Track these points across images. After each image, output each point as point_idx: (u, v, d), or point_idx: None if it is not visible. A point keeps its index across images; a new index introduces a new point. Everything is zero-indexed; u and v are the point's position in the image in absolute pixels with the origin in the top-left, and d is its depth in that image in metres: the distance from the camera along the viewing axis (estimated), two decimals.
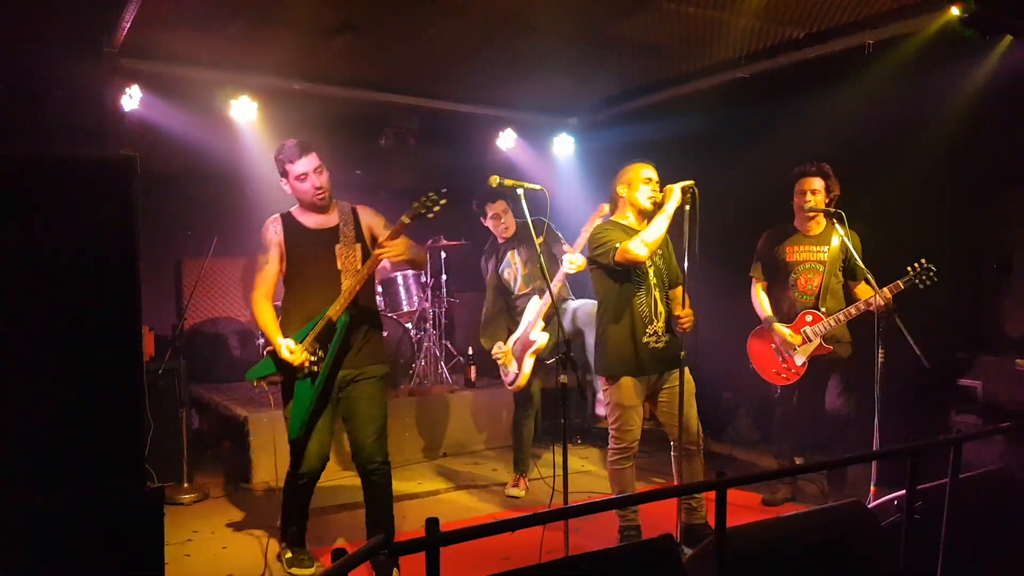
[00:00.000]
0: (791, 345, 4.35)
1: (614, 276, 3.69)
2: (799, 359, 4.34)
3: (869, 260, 4.06)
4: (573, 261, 4.34)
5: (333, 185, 3.63)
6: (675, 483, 3.88)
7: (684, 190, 3.56)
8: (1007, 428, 3.56)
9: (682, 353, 3.65)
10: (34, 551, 1.97)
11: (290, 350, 3.37)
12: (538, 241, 3.81)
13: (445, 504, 4.70)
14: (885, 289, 4.00)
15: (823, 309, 4.32)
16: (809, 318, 4.33)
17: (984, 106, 4.47)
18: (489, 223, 4.87)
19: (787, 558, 2.44)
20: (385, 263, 3.84)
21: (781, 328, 4.38)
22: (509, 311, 4.88)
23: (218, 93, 5.53)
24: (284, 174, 3.51)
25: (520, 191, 3.37)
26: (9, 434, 2.01)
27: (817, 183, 4.33)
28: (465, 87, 6.12)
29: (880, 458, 4.07)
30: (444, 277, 6.44)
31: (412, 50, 5.19)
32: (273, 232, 3.55)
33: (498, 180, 3.48)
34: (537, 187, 3.46)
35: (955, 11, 3.96)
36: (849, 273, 4.41)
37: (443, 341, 6.44)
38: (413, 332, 6.18)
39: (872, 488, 4.01)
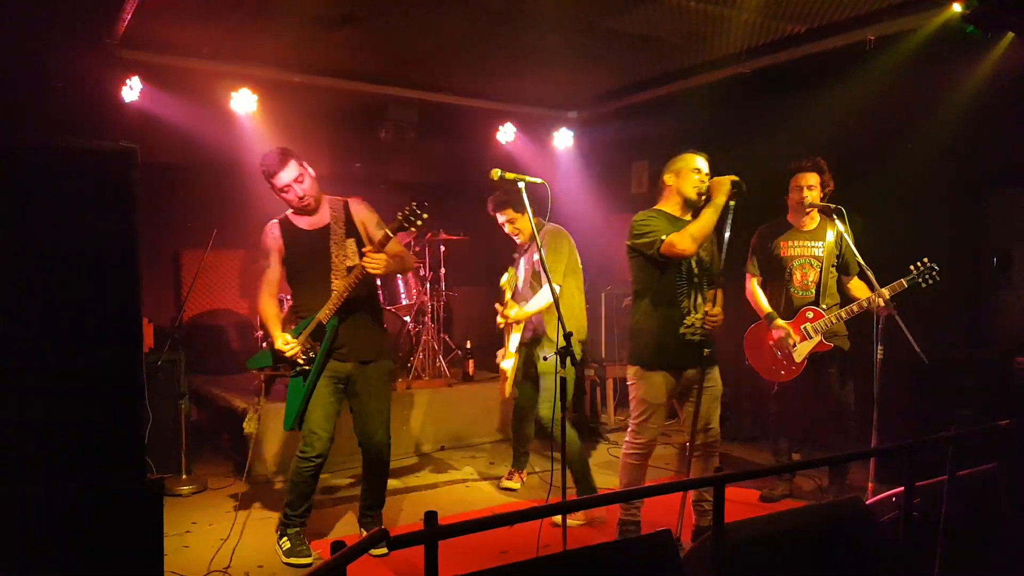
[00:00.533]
0: (790, 342, 4.34)
1: (655, 265, 3.59)
2: (798, 356, 4.33)
3: (868, 256, 4.06)
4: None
5: (333, 179, 3.66)
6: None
7: (734, 183, 3.48)
8: (1005, 425, 3.56)
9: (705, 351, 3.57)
10: (35, 542, 1.98)
11: (285, 342, 3.57)
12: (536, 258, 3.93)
13: (443, 498, 4.71)
14: (885, 289, 3.99)
15: (824, 305, 4.31)
16: (810, 315, 4.32)
17: (985, 103, 4.47)
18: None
19: (785, 554, 2.44)
20: None
21: (783, 324, 4.37)
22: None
23: (218, 85, 5.53)
24: (271, 185, 3.63)
25: (521, 184, 3.35)
26: (9, 425, 2.00)
27: (813, 178, 4.32)
28: (465, 80, 6.11)
29: (878, 455, 4.08)
30: (443, 271, 6.43)
31: (412, 42, 5.17)
32: (272, 238, 3.71)
33: (499, 173, 3.44)
34: (538, 181, 3.43)
35: (957, 7, 3.96)
36: (842, 268, 4.41)
37: (441, 335, 6.44)
38: (411, 325, 6.18)
39: (870, 485, 4.02)
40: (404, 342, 6.12)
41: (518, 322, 4.46)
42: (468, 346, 6.35)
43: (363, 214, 3.76)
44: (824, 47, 4.80)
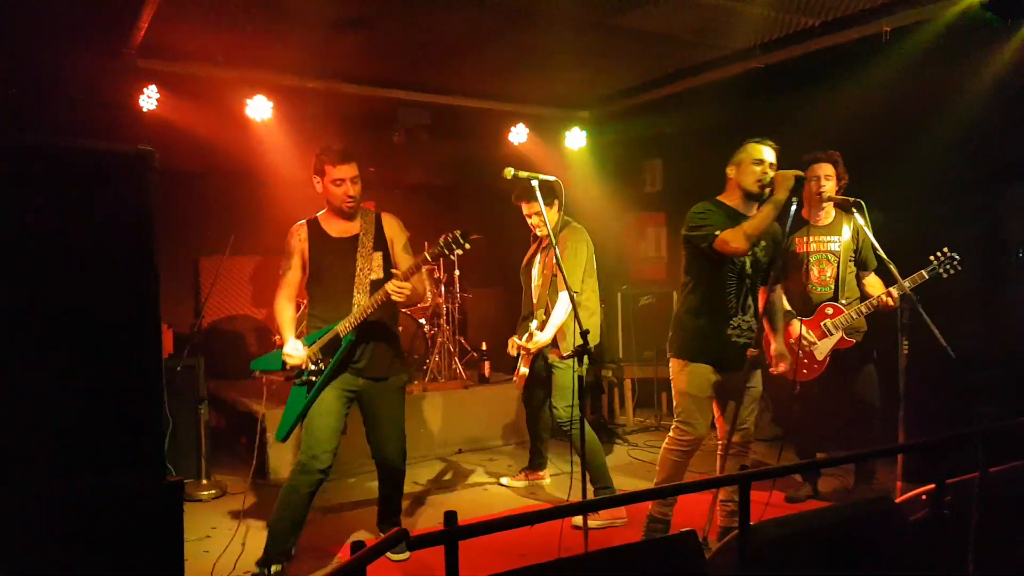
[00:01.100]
0: (808, 341, 4.27)
1: (707, 260, 3.46)
2: (820, 354, 4.27)
3: (886, 249, 4.00)
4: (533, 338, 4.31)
5: None
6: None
7: (798, 178, 3.35)
8: None
9: (751, 351, 3.43)
10: (54, 542, 1.98)
11: (289, 352, 3.47)
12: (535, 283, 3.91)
13: (460, 501, 4.69)
14: (906, 281, 3.93)
15: (843, 301, 4.25)
16: (830, 311, 4.26)
17: (1004, 93, 4.39)
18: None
19: (812, 554, 2.40)
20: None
21: (798, 324, 4.30)
22: (525, 312, 4.71)
23: (234, 92, 5.57)
24: (320, 173, 3.53)
25: (534, 182, 3.33)
26: (30, 425, 2.01)
27: (828, 168, 4.25)
28: (477, 82, 6.11)
29: (906, 451, 4.00)
30: (457, 273, 6.42)
31: (423, 44, 5.18)
32: (297, 239, 3.61)
33: (512, 172, 3.43)
34: (551, 178, 3.41)
35: None
36: (860, 264, 4.34)
37: (457, 337, 6.43)
38: (427, 328, 6.18)
39: (898, 483, 3.95)
40: (420, 344, 6.11)
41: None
42: (484, 348, 6.33)
43: (394, 230, 3.70)
44: (838, 40, 4.74)
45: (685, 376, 3.55)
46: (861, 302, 4.20)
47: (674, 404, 3.65)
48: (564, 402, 4.19)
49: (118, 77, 4.98)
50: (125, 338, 2.16)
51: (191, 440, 4.85)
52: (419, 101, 6.27)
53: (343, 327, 3.46)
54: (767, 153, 3.51)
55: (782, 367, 3.72)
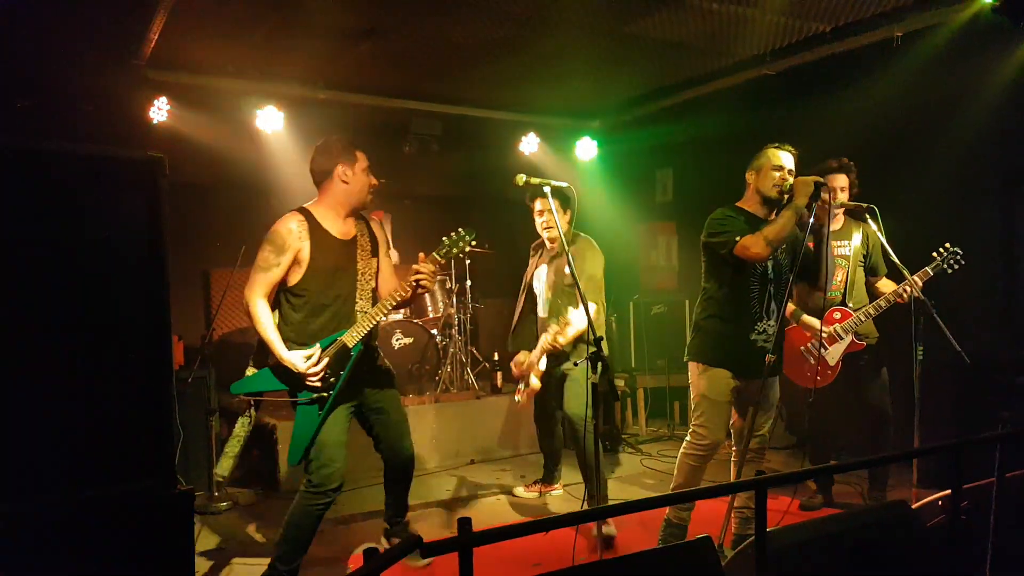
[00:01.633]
0: (824, 334, 4.23)
1: (728, 266, 3.43)
2: (832, 359, 4.23)
3: (899, 254, 3.98)
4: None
5: None
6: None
7: (818, 185, 3.33)
8: None
9: (769, 357, 3.36)
10: (66, 550, 1.98)
11: (307, 358, 3.15)
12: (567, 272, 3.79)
13: (473, 511, 4.66)
14: (915, 277, 3.91)
15: (851, 305, 4.24)
16: (838, 315, 4.24)
17: (1018, 95, 4.37)
18: (537, 224, 4.40)
19: (829, 560, 2.37)
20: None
21: (810, 319, 4.27)
22: (531, 325, 4.54)
23: (244, 103, 5.60)
24: (350, 161, 3.32)
25: (546, 188, 3.33)
26: (40, 434, 2.01)
27: (843, 179, 4.25)
28: (487, 91, 6.12)
29: (923, 455, 3.96)
30: (469, 283, 6.42)
31: (434, 54, 5.19)
32: (293, 236, 3.21)
33: (524, 178, 3.43)
34: (563, 184, 3.41)
35: None
36: (870, 270, 4.33)
37: (469, 347, 6.41)
38: (439, 338, 6.17)
39: (913, 490, 3.91)
40: (431, 355, 6.10)
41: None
42: (495, 358, 6.31)
43: (381, 234, 3.54)
44: (850, 46, 4.72)
45: (705, 380, 3.53)
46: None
47: (692, 408, 3.62)
48: (575, 399, 4.11)
49: (128, 88, 5.01)
50: (136, 345, 2.16)
51: (202, 452, 4.84)
52: (430, 111, 6.29)
53: (351, 338, 3.24)
54: (786, 159, 3.51)
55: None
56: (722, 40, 4.96)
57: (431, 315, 6.31)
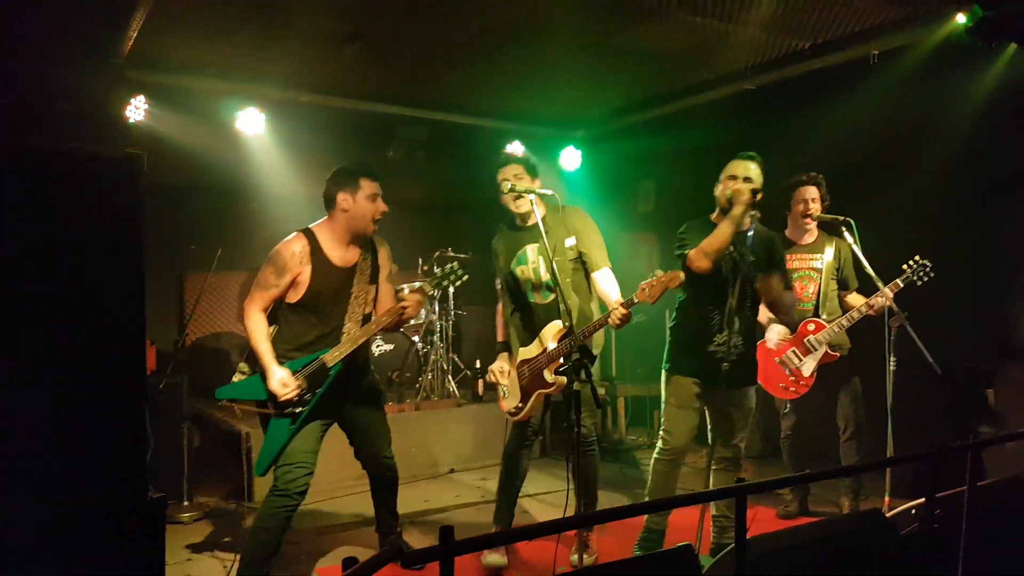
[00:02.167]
0: (795, 341, 4.28)
1: (689, 275, 3.41)
2: (807, 369, 4.28)
3: (877, 267, 4.04)
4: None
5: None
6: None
7: (754, 192, 3.38)
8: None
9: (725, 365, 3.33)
10: (35, 557, 1.93)
11: (284, 383, 3.19)
12: (551, 243, 3.38)
13: (454, 521, 4.63)
14: (886, 289, 3.98)
15: (824, 316, 4.29)
16: (811, 326, 4.29)
17: (990, 113, 4.50)
18: (502, 200, 3.79)
19: (807, 567, 2.39)
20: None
21: (783, 329, 4.31)
22: (524, 318, 3.85)
23: (225, 104, 5.52)
24: (354, 188, 3.32)
25: (532, 196, 3.34)
26: (10, 437, 1.96)
27: (815, 191, 4.33)
28: (473, 99, 6.13)
29: (897, 464, 4.01)
30: (451, 290, 6.40)
31: (420, 60, 5.19)
32: (296, 261, 3.27)
33: (509, 185, 3.45)
34: (548, 192, 3.43)
35: (961, 18, 3.97)
36: (842, 283, 4.41)
37: (450, 354, 6.38)
38: (420, 345, 6.14)
39: (886, 499, 3.96)
40: (412, 362, 6.06)
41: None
42: (477, 366, 6.30)
43: (385, 260, 3.58)
44: (828, 63, 4.81)
45: (670, 386, 3.60)
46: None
47: (662, 413, 3.67)
48: (592, 418, 3.88)
49: (105, 87, 4.93)
50: (109, 348, 2.12)
51: (173, 460, 4.74)
52: (416, 117, 6.26)
53: (331, 357, 3.28)
54: (742, 168, 3.52)
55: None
56: (704, 54, 5.02)
57: (412, 321, 6.27)
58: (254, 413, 3.35)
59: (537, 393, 3.62)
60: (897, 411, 3.95)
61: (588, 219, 3.75)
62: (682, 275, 3.23)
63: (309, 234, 3.35)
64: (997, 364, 4.39)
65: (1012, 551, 2.87)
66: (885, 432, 3.96)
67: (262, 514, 3.26)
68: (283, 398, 3.19)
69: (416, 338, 6.11)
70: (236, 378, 3.38)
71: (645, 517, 3.66)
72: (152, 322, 2.43)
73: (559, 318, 3.61)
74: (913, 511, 2.78)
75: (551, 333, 3.60)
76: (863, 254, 4.09)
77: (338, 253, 3.37)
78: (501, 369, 3.83)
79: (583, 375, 3.05)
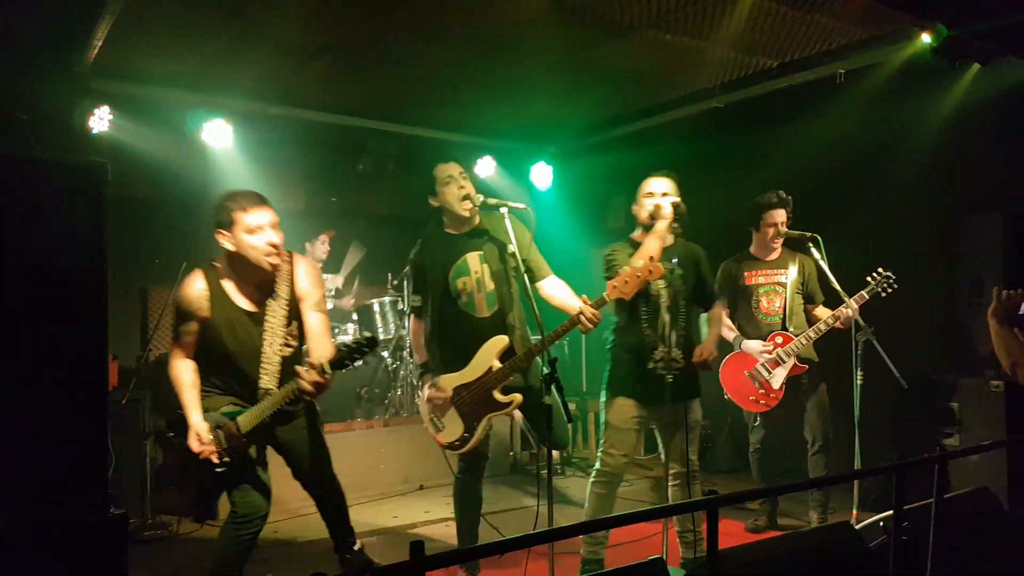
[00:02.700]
0: (766, 353, 4.31)
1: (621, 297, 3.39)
2: (776, 382, 4.31)
3: (844, 282, 4.10)
4: None
5: (309, 213, 3.38)
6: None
7: (674, 206, 3.44)
8: (989, 446, 3.58)
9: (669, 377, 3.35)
10: None
11: (198, 440, 2.93)
12: (511, 250, 3.22)
13: (424, 537, 4.53)
14: (851, 301, 4.04)
15: (791, 329, 4.34)
16: (779, 339, 4.33)
17: (953, 132, 4.61)
18: (441, 193, 3.48)
19: None
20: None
21: (751, 343, 4.36)
22: (456, 337, 3.48)
23: (192, 116, 5.44)
24: (229, 224, 2.92)
25: (504, 210, 3.31)
26: None
27: (783, 215, 4.39)
28: (444, 113, 6.13)
29: (866, 476, 4.05)
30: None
31: (391, 75, 5.18)
32: (197, 305, 2.96)
33: (481, 199, 3.42)
34: (521, 206, 3.38)
35: (926, 38, 4.07)
36: (807, 298, 4.47)
37: None
38: (389, 361, 6.07)
39: (855, 512, 3.99)
40: (382, 378, 6.00)
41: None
42: None
43: (306, 290, 3.07)
44: (796, 81, 4.90)
45: (609, 408, 3.58)
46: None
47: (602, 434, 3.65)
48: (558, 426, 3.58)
49: (68, 97, 4.83)
50: (70, 361, 2.06)
51: (135, 478, 4.63)
52: (386, 131, 6.22)
53: (246, 421, 2.96)
54: (660, 184, 3.58)
55: (703, 356, 3.56)
56: (674, 72, 5.09)
57: (382, 337, 6.21)
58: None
59: (488, 417, 3.35)
60: (864, 424, 4.00)
61: (525, 228, 3.47)
62: (663, 267, 3.23)
63: (211, 270, 3.01)
64: (961, 378, 4.46)
65: (979, 562, 2.90)
66: (852, 445, 4.00)
67: (222, 542, 3.07)
68: (198, 452, 2.93)
69: (385, 353, 6.05)
70: None
71: (582, 547, 3.60)
72: (115, 337, 2.37)
73: (504, 332, 3.39)
74: (882, 523, 2.80)
75: (494, 351, 3.33)
76: (830, 269, 4.16)
77: (242, 292, 3.00)
78: (442, 390, 3.41)
79: (554, 389, 3.00)
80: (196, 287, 2.96)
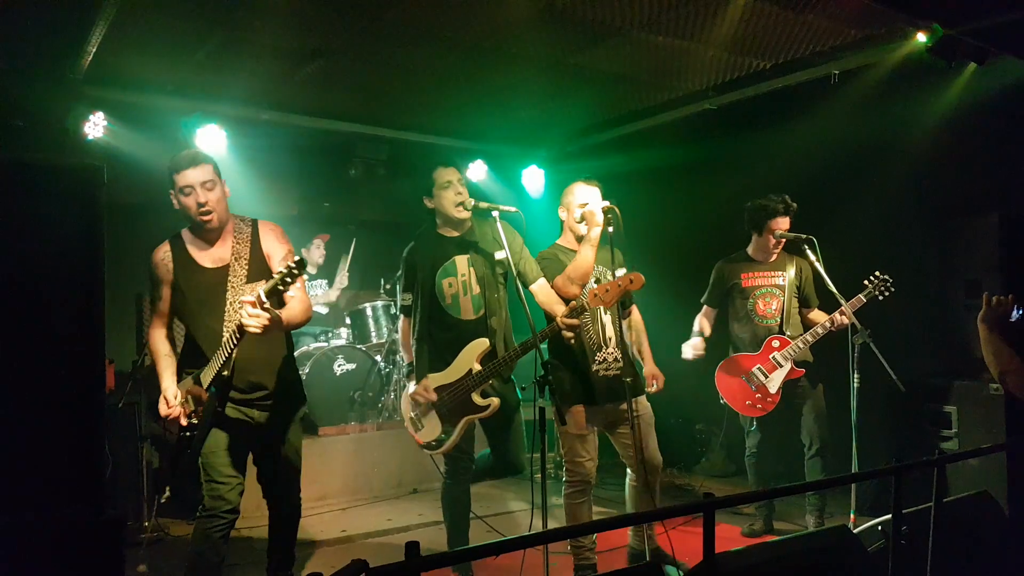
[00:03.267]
0: (761, 357, 4.31)
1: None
2: (773, 386, 4.30)
3: (839, 284, 4.10)
4: None
5: (301, 218, 3.41)
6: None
7: (605, 211, 3.47)
8: (990, 449, 3.57)
9: (628, 379, 3.43)
10: None
11: (167, 403, 3.00)
12: (499, 256, 3.36)
13: (418, 538, 4.53)
14: (847, 305, 4.03)
15: (788, 333, 4.33)
16: (776, 343, 4.33)
17: (949, 133, 4.59)
18: (437, 195, 3.58)
19: None
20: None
21: (698, 344, 4.41)
22: (441, 338, 3.55)
23: (185, 122, 5.43)
24: (171, 184, 3.11)
25: (495, 213, 3.31)
26: None
27: (786, 223, 4.38)
28: (435, 118, 6.12)
29: (864, 479, 4.04)
30: None
31: (381, 79, 5.17)
32: (163, 268, 3.12)
33: (473, 202, 3.43)
34: (512, 209, 3.41)
35: (922, 38, 4.05)
36: (803, 301, 4.45)
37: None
38: (382, 365, 6.05)
39: (852, 516, 3.98)
40: (375, 382, 5.98)
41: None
42: None
43: (272, 246, 3.18)
44: (789, 82, 4.87)
45: (566, 418, 3.53)
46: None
47: (560, 446, 3.66)
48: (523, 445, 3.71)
49: (63, 103, 4.82)
50: (66, 362, 2.05)
51: (132, 480, 4.63)
52: (376, 135, 6.22)
53: (205, 375, 3.01)
54: (589, 192, 3.65)
55: (658, 386, 3.78)
56: (666, 74, 5.07)
57: (375, 340, 6.20)
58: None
59: (465, 419, 3.42)
60: (861, 428, 3.99)
61: (516, 233, 3.57)
62: (643, 277, 3.24)
63: (175, 238, 3.19)
64: (958, 381, 4.45)
65: (979, 566, 2.89)
66: (849, 449, 3.99)
67: (193, 536, 3.10)
68: (165, 415, 3.00)
69: (379, 357, 6.03)
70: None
71: (573, 556, 3.63)
72: (110, 342, 2.36)
73: (486, 336, 3.44)
74: (880, 527, 2.80)
75: (475, 353, 3.40)
76: (825, 271, 4.15)
77: (203, 252, 3.13)
78: (426, 389, 3.48)
79: (548, 393, 3.01)
80: (161, 251, 3.15)
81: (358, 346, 6.01)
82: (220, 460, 3.08)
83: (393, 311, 6.23)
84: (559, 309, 3.37)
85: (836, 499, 4.54)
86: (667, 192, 6.22)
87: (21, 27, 4.07)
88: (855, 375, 3.99)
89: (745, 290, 4.46)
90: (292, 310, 2.99)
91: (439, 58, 4.74)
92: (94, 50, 4.34)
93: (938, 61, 4.01)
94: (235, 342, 2.87)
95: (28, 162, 2.06)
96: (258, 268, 3.12)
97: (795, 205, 4.39)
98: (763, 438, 4.51)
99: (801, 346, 4.25)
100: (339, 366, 5.81)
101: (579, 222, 3.57)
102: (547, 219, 7.07)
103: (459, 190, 3.52)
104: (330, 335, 6.31)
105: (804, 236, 4.24)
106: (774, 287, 4.42)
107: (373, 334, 6.22)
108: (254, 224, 3.21)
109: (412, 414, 3.57)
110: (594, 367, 3.52)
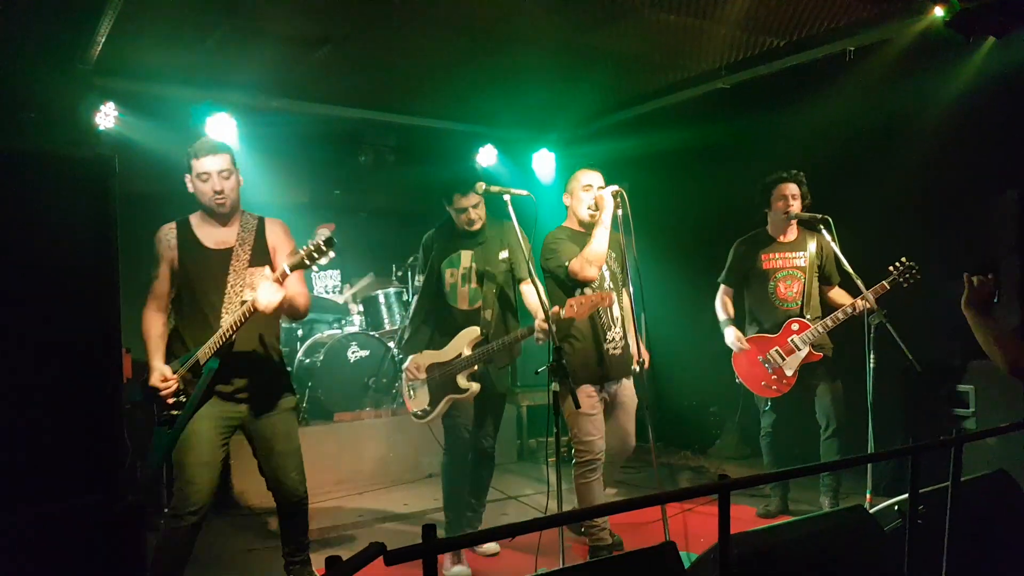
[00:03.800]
0: (779, 340, 4.30)
1: (567, 286, 3.62)
2: (790, 369, 4.28)
3: (855, 264, 4.05)
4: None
5: (312, 206, 3.45)
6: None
7: (614, 195, 3.54)
8: (1007, 428, 3.53)
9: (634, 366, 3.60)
10: (13, 565, 1.87)
11: (162, 377, 3.01)
12: (487, 255, 3.60)
13: (435, 522, 4.57)
14: (869, 292, 3.99)
15: (808, 316, 4.28)
16: (796, 326, 4.29)
17: (968, 109, 4.49)
18: (453, 211, 3.79)
19: (790, 564, 2.37)
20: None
21: (739, 336, 4.43)
22: (440, 321, 3.80)
23: (195, 110, 5.44)
24: (188, 169, 3.20)
25: (507, 197, 3.31)
26: None
27: (795, 188, 4.33)
28: (444, 103, 6.10)
29: (880, 459, 4.02)
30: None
31: (390, 65, 5.15)
32: (166, 246, 3.17)
33: (484, 187, 3.43)
34: (524, 193, 3.41)
35: (939, 12, 3.98)
36: (824, 279, 4.40)
37: None
38: (395, 351, 6.07)
39: (868, 496, 3.96)
40: (388, 368, 6.01)
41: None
42: None
43: (278, 237, 3.28)
44: (803, 60, 4.81)
45: (577, 397, 3.49)
46: (825, 317, 4.24)
47: (569, 427, 3.67)
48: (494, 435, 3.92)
49: (74, 94, 4.84)
50: (83, 351, 2.07)
51: (152, 469, 4.66)
52: (386, 121, 6.21)
53: (203, 352, 3.03)
54: (595, 177, 3.74)
55: (646, 364, 3.74)
56: (678, 53, 5.02)
57: (388, 327, 6.22)
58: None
59: (447, 398, 3.63)
60: (877, 408, 3.96)
61: (522, 238, 3.52)
62: (613, 295, 3.47)
63: (182, 220, 3.25)
64: (975, 360, 4.40)
65: (996, 546, 2.87)
66: (865, 429, 3.97)
67: (158, 533, 3.06)
68: (163, 394, 3.00)
69: (392, 343, 6.06)
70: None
71: (589, 537, 3.70)
72: (126, 330, 2.38)
73: (478, 325, 3.64)
74: (896, 507, 2.78)
75: (467, 339, 3.62)
76: (842, 252, 4.11)
77: (209, 233, 3.20)
78: (418, 366, 3.77)
79: (561, 377, 3.03)
80: (165, 228, 3.21)
81: (371, 333, 6.03)
82: (192, 459, 3.03)
83: (405, 298, 6.25)
84: (540, 312, 3.43)
85: (852, 480, 4.52)
86: (680, 174, 6.17)
87: (30, 19, 4.09)
88: (871, 355, 3.95)
89: (766, 272, 4.41)
90: (296, 298, 3.12)
91: (448, 42, 4.72)
92: (103, 40, 4.35)
93: (956, 36, 3.94)
94: (239, 324, 2.95)
95: (41, 153, 2.09)
96: (260, 256, 3.20)
97: (800, 173, 4.35)
98: (778, 418, 4.48)
99: (820, 331, 4.21)
100: (353, 353, 5.84)
101: (589, 208, 3.66)
102: (558, 203, 7.07)
103: (472, 217, 3.69)
104: (343, 322, 6.34)
105: (820, 216, 4.18)
106: (795, 268, 4.37)
107: (386, 321, 6.24)
108: (260, 219, 3.31)
109: (410, 383, 3.84)
110: (605, 345, 3.66)
